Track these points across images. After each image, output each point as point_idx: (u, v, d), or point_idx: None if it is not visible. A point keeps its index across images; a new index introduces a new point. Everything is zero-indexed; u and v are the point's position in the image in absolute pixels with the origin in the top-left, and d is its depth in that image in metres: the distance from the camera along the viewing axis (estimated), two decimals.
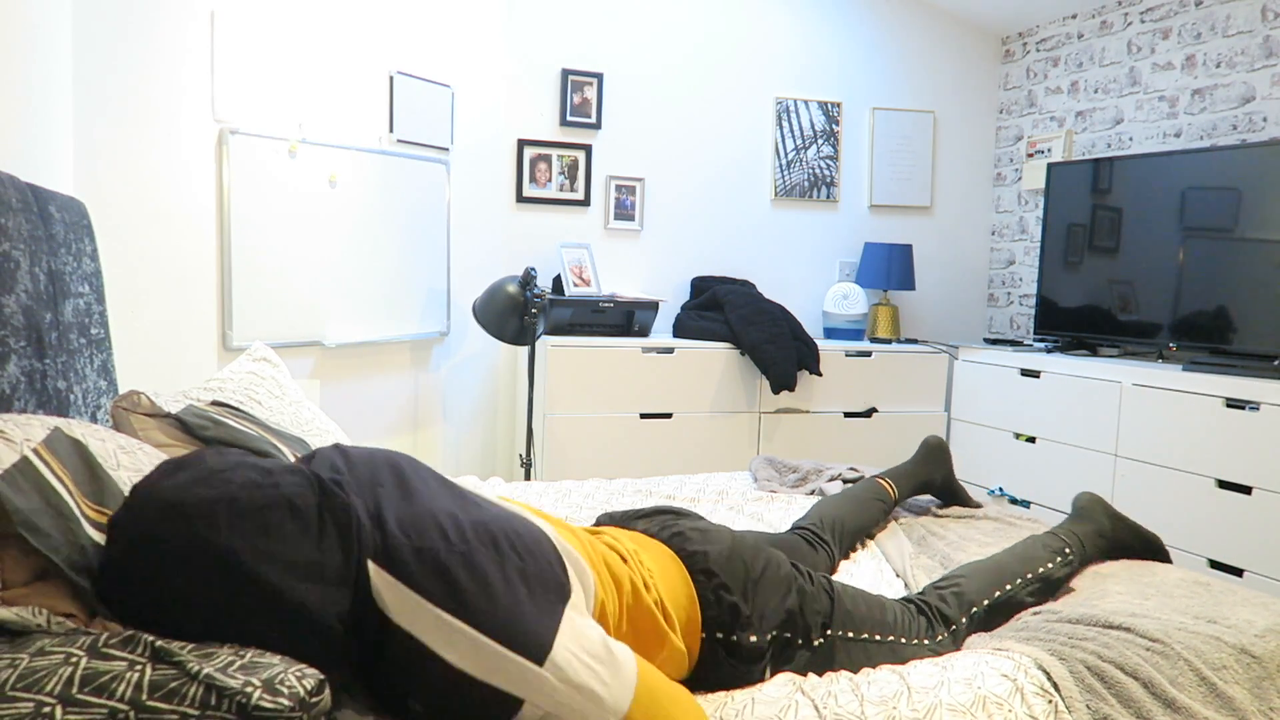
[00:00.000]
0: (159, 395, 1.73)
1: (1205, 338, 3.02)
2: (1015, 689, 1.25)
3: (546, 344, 3.33)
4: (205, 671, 0.89)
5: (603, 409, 3.40)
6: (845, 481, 2.32)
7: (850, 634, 1.37)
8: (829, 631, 1.36)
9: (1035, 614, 1.55)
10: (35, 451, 1.11)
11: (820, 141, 4.10)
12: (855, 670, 1.32)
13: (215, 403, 1.78)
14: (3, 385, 1.37)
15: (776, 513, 2.15)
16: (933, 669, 1.29)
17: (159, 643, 0.92)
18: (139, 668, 0.89)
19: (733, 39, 3.95)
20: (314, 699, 0.94)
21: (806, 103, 4.06)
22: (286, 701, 0.90)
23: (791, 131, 4.05)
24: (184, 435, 1.60)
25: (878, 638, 1.39)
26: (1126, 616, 1.46)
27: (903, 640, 1.41)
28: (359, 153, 3.03)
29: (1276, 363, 2.75)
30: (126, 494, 1.15)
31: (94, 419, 1.70)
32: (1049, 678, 1.28)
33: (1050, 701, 1.25)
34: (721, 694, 1.24)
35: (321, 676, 0.96)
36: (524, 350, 3.62)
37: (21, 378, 1.42)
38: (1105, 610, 1.49)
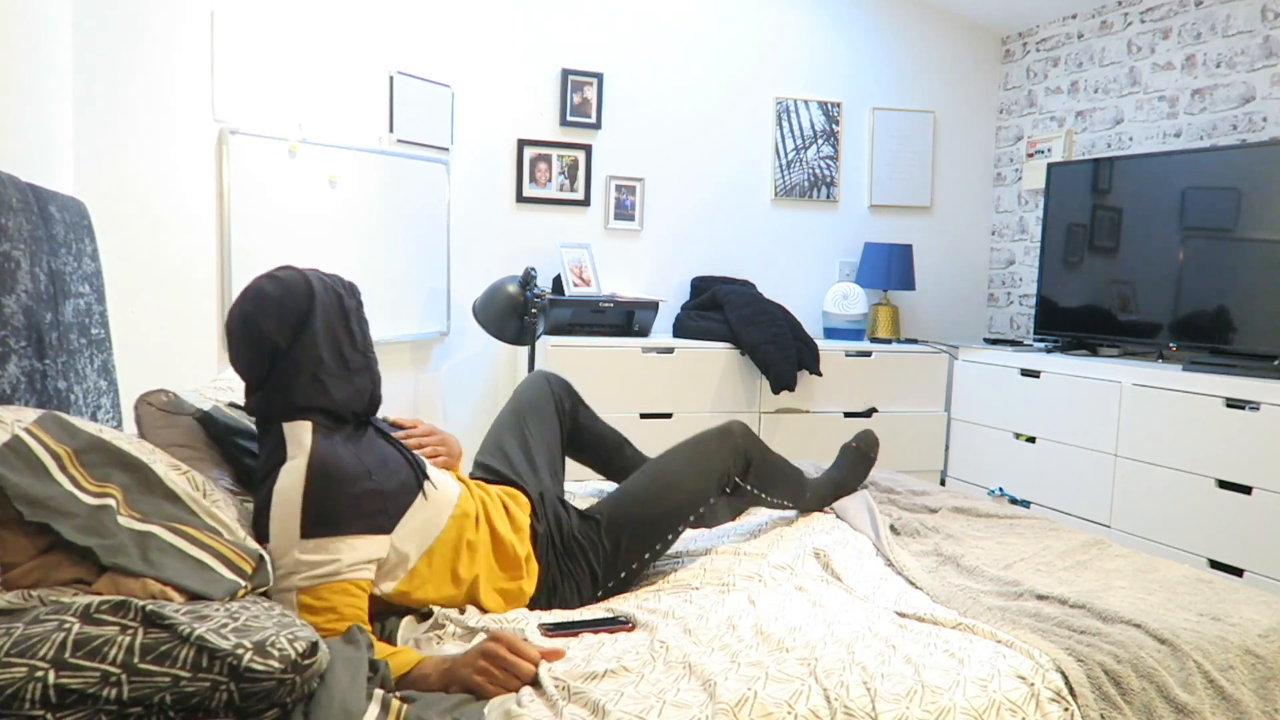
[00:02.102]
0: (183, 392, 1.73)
1: (1205, 338, 3.02)
2: (1031, 694, 1.23)
3: (546, 344, 3.33)
4: (197, 634, 0.90)
5: (603, 409, 3.37)
6: None
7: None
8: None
9: (1042, 598, 1.55)
10: (27, 430, 1.12)
11: (820, 141, 4.09)
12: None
13: (232, 404, 1.78)
14: (3, 385, 1.37)
15: (777, 512, 2.15)
16: (949, 662, 1.27)
17: (150, 607, 0.92)
18: (130, 631, 0.90)
19: (733, 39, 3.95)
20: (306, 660, 0.94)
21: (806, 103, 4.06)
22: (276, 664, 0.91)
23: (791, 131, 4.05)
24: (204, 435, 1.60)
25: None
26: (1134, 612, 1.46)
27: None
28: (359, 153, 3.03)
29: (1276, 363, 2.75)
30: (128, 470, 1.17)
31: (94, 419, 1.70)
32: (1066, 681, 1.26)
33: (1066, 709, 1.23)
34: (727, 656, 1.25)
35: (315, 639, 0.97)
36: (524, 350, 3.62)
37: (22, 378, 1.42)
38: (1113, 605, 1.49)
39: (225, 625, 0.94)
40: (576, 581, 1.60)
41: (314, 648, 0.96)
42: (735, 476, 1.77)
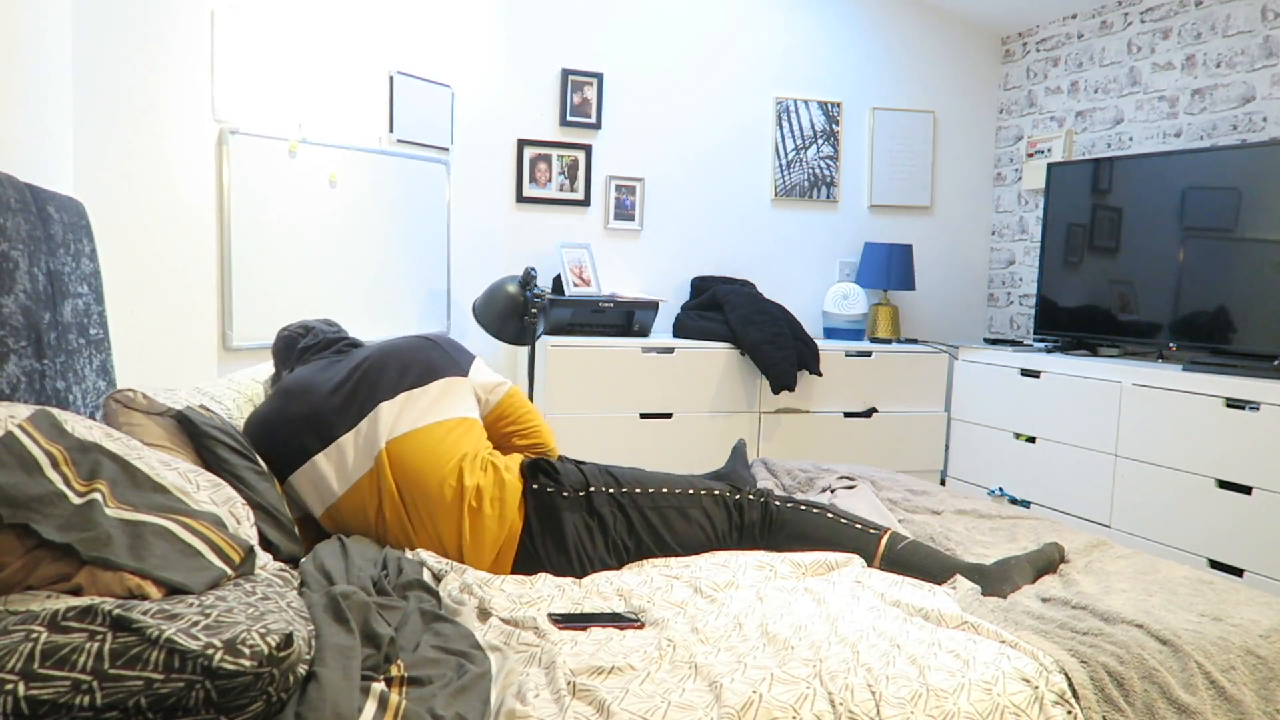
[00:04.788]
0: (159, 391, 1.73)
1: (1205, 338, 3.02)
2: (1035, 698, 1.22)
3: (546, 344, 3.33)
4: (166, 635, 0.89)
5: (603, 409, 3.39)
6: (834, 490, 2.31)
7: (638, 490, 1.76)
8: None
9: (1046, 600, 1.54)
10: (20, 427, 1.11)
11: (820, 141, 4.09)
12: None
13: (204, 407, 1.77)
14: (2, 385, 1.37)
15: None
16: (954, 664, 1.26)
17: (117, 611, 0.92)
18: (99, 637, 0.89)
19: (733, 39, 3.94)
20: (281, 653, 0.94)
21: (806, 103, 4.06)
22: (248, 662, 0.91)
23: (791, 131, 4.04)
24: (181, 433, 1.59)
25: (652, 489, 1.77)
26: (1136, 613, 1.45)
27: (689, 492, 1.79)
28: (359, 153, 3.03)
29: (1276, 363, 2.75)
30: (116, 467, 1.17)
31: (93, 419, 1.70)
32: (1069, 683, 1.26)
33: (1069, 712, 1.23)
34: (733, 656, 1.25)
35: (289, 631, 0.96)
36: (524, 350, 3.61)
37: (21, 377, 1.42)
38: (1114, 606, 1.49)
39: (196, 624, 0.93)
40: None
41: (288, 639, 0.95)
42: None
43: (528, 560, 1.68)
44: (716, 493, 1.81)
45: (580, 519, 1.68)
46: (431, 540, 1.67)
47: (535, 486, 1.69)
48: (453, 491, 1.64)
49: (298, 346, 1.95)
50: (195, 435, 1.58)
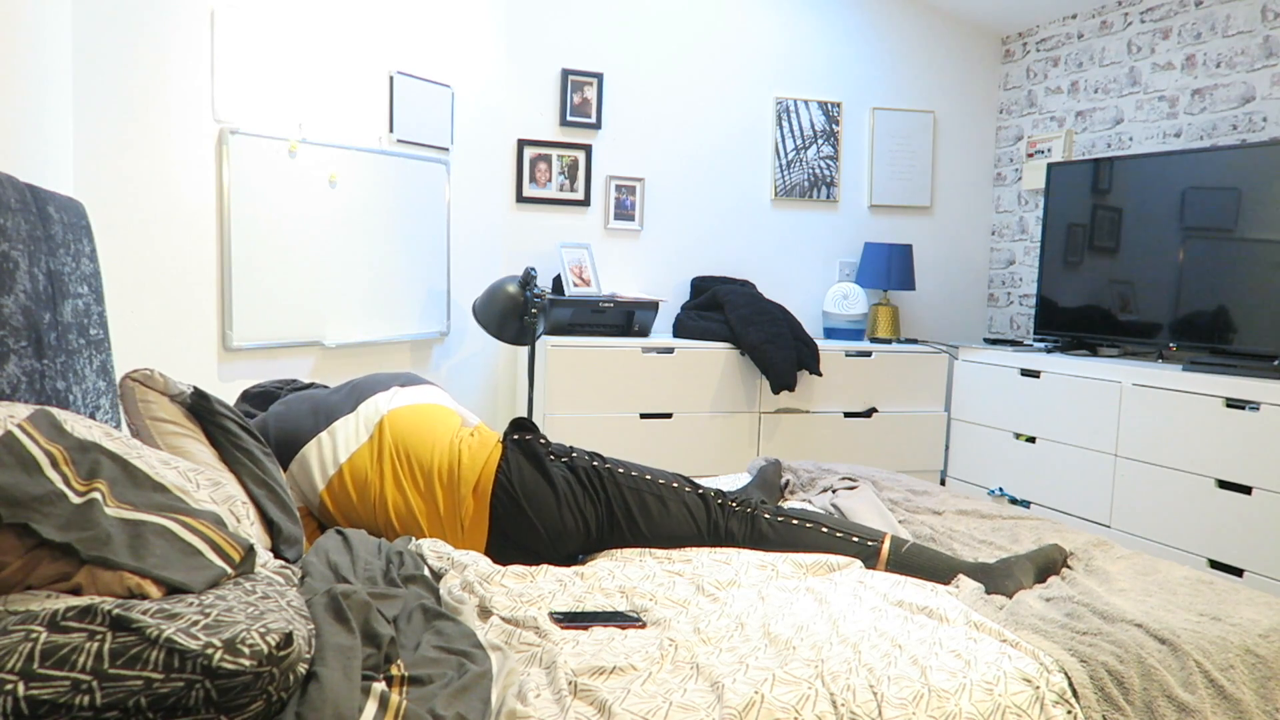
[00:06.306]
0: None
1: (1205, 338, 3.02)
2: (1036, 698, 1.23)
3: (546, 344, 3.33)
4: (165, 635, 0.89)
5: (603, 409, 3.39)
6: (835, 490, 2.31)
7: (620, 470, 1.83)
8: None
9: (1048, 601, 1.55)
10: (20, 427, 1.11)
11: (820, 141, 4.09)
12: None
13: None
14: (2, 385, 1.37)
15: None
16: (955, 664, 1.26)
17: (117, 610, 0.92)
18: (99, 637, 0.89)
19: (733, 39, 3.94)
20: (281, 652, 0.94)
21: (806, 103, 4.06)
22: (247, 662, 0.91)
23: (791, 131, 4.04)
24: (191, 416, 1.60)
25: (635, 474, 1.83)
26: (1136, 613, 1.46)
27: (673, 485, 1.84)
28: (359, 153, 3.03)
29: (1276, 363, 2.75)
30: (115, 467, 1.17)
31: (93, 419, 1.70)
32: (1069, 684, 1.26)
33: (1070, 712, 1.23)
34: (735, 657, 1.24)
35: (288, 630, 0.96)
36: (524, 350, 3.61)
37: (22, 377, 1.42)
38: (1115, 605, 1.49)
39: (195, 623, 0.93)
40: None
41: (288, 639, 0.95)
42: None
43: (508, 502, 1.74)
44: (700, 492, 1.82)
45: (561, 471, 1.80)
46: (425, 496, 1.78)
47: (516, 437, 1.85)
48: (444, 450, 1.81)
49: (285, 389, 2.15)
50: (208, 413, 1.58)
